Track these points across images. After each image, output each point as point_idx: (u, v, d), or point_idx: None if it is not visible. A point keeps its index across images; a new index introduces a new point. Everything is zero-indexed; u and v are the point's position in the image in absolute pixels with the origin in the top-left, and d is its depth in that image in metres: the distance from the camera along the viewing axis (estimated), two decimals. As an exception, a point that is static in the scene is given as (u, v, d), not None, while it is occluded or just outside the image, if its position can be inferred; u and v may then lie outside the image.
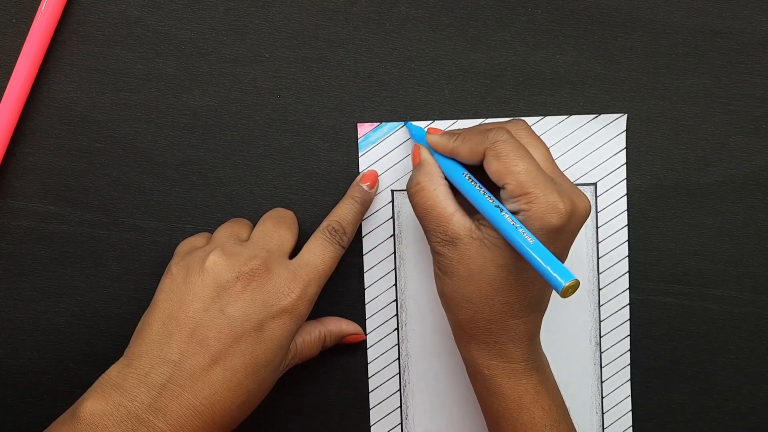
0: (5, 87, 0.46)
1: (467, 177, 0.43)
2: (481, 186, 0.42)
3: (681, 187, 0.49)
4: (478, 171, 0.43)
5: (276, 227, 0.45)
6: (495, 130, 0.42)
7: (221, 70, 0.48)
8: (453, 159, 0.44)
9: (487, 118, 0.49)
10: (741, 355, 0.51)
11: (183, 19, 0.48)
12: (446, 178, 0.44)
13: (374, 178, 0.48)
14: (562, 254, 0.42)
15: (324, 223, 0.46)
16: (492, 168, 0.41)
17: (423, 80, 0.48)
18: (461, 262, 0.42)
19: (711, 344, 0.51)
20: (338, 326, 0.49)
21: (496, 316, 0.42)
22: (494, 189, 0.42)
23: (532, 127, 0.49)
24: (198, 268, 0.42)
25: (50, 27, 0.46)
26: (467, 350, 0.44)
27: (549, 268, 0.38)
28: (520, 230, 0.39)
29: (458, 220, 0.42)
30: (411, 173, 0.45)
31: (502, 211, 0.40)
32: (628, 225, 0.50)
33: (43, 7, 0.46)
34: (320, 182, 0.49)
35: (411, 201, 0.44)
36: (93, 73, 0.47)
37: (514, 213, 0.40)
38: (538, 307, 0.44)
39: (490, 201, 0.41)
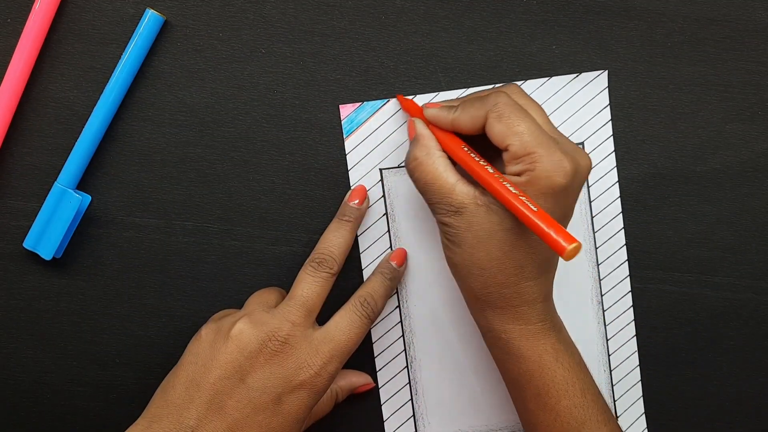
0: None
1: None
2: (480, 158, 0.42)
3: (678, 175, 0.50)
4: (474, 143, 0.43)
5: None
6: (494, 93, 0.42)
7: (217, 66, 0.48)
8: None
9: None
10: (740, 341, 0.51)
11: (178, 15, 0.47)
12: (443, 150, 0.44)
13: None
14: (567, 214, 0.42)
15: (356, 295, 0.46)
16: (495, 130, 0.41)
17: (419, 73, 0.48)
18: (469, 229, 0.41)
19: (710, 331, 0.51)
20: (348, 381, 0.49)
21: (509, 279, 0.42)
22: (493, 160, 0.42)
23: None
24: (224, 334, 0.43)
25: (44, 25, 0.46)
26: (482, 317, 0.44)
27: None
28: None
29: (461, 189, 0.42)
30: (408, 149, 0.45)
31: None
32: (625, 214, 0.50)
33: (37, 5, 0.46)
34: (318, 176, 0.49)
35: (411, 177, 0.44)
36: (89, 71, 0.47)
37: (518, 174, 0.40)
38: (548, 267, 0.43)
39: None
